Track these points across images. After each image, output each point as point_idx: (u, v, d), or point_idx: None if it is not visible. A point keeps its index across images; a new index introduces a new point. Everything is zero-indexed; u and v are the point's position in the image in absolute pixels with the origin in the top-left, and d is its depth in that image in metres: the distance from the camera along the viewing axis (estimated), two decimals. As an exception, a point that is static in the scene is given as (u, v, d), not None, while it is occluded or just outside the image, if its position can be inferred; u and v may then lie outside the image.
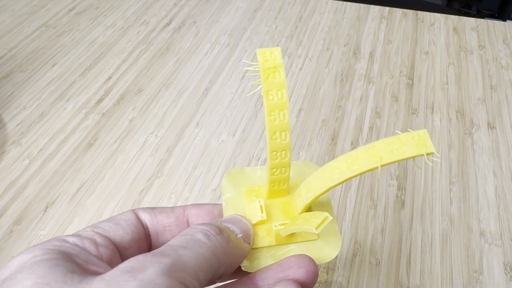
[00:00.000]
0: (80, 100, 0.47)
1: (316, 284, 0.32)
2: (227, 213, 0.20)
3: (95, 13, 0.59)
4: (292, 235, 0.19)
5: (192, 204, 0.20)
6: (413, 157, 0.16)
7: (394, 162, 0.16)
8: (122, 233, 0.18)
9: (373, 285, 0.32)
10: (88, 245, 0.16)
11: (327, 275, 0.32)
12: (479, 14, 1.33)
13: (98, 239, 0.17)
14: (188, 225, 0.20)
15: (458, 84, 0.48)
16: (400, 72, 0.49)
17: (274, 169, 0.19)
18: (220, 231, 0.17)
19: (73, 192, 0.38)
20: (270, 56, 0.19)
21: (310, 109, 0.45)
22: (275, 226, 0.19)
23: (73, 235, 0.17)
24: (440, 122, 0.43)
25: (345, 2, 0.60)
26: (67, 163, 0.40)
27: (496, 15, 1.32)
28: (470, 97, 0.46)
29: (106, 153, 0.41)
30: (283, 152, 0.18)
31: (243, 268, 0.18)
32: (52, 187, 0.38)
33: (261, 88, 0.18)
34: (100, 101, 0.46)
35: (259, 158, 0.40)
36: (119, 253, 0.18)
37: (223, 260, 0.17)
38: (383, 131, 0.43)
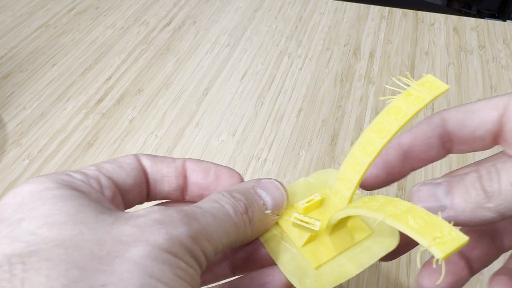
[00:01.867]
0: (80, 100, 0.47)
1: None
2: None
3: (95, 13, 0.59)
4: (344, 240, 0.18)
5: (191, 159, 0.20)
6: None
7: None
8: (124, 176, 0.18)
9: (373, 285, 0.32)
10: (94, 185, 0.16)
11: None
12: (479, 14, 1.33)
13: (102, 180, 0.17)
14: (185, 178, 0.19)
15: (458, 84, 0.48)
16: (400, 72, 0.49)
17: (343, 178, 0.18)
18: (247, 209, 0.17)
19: (73, 192, 0.38)
20: (431, 86, 0.16)
21: (310, 109, 0.45)
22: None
23: (77, 172, 0.16)
24: (440, 122, 0.43)
25: (345, 2, 0.60)
26: (67, 163, 0.40)
27: (496, 15, 1.32)
28: (470, 97, 0.46)
29: (106, 153, 0.41)
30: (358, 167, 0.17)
31: None
32: (52, 187, 0.38)
33: (390, 101, 0.17)
34: (100, 101, 0.46)
35: (259, 158, 0.40)
36: (120, 195, 0.18)
37: (243, 237, 0.17)
38: (383, 131, 0.42)
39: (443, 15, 0.58)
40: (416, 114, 0.16)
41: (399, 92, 0.17)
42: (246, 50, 0.53)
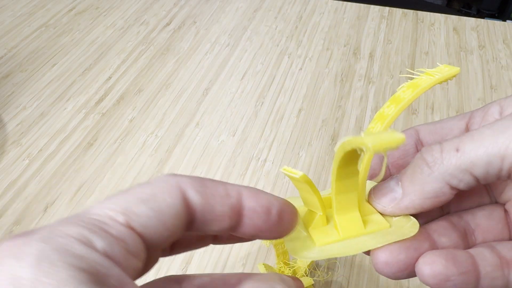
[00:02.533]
0: (80, 100, 0.47)
1: (316, 284, 0.32)
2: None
3: (95, 13, 0.59)
4: (354, 226, 0.18)
5: (247, 190, 0.16)
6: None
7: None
8: (161, 229, 0.13)
9: (373, 285, 0.32)
10: (119, 256, 0.12)
11: (327, 275, 0.32)
12: (479, 14, 1.33)
13: (131, 243, 0.12)
14: (240, 217, 0.16)
15: (458, 84, 0.48)
16: (400, 72, 0.49)
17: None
18: None
19: (73, 192, 0.38)
20: (442, 70, 0.18)
21: (310, 109, 0.45)
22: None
23: (100, 233, 0.12)
24: (440, 122, 0.43)
25: (345, 2, 0.60)
26: (67, 163, 0.40)
27: (496, 15, 1.32)
28: (470, 97, 0.46)
29: (106, 153, 0.41)
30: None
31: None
32: (52, 187, 0.38)
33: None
34: (100, 101, 0.46)
35: (259, 158, 0.40)
36: (146, 253, 0.14)
37: None
38: (383, 131, 0.42)
39: (443, 15, 0.58)
40: (431, 86, 0.18)
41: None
42: (246, 50, 0.53)
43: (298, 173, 0.16)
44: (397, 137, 0.14)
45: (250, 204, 0.16)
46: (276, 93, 0.47)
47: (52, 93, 0.47)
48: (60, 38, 0.55)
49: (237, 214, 0.15)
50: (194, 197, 0.14)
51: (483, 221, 0.18)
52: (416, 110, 0.45)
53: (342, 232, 0.18)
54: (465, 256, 0.16)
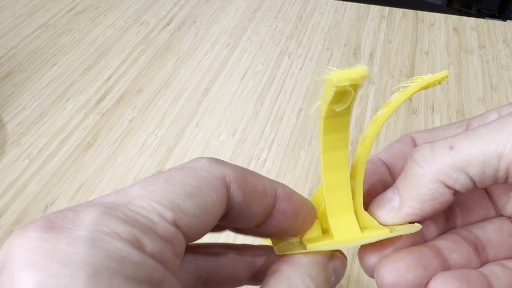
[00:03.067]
0: (80, 100, 0.47)
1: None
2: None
3: (95, 13, 0.59)
4: (349, 230, 0.17)
5: (283, 191, 0.15)
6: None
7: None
8: (201, 229, 0.12)
9: (373, 285, 0.32)
10: (169, 260, 0.10)
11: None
12: (479, 14, 1.33)
13: (178, 245, 0.11)
14: (269, 217, 0.15)
15: (458, 84, 0.48)
16: (400, 72, 0.49)
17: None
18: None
19: (73, 192, 0.38)
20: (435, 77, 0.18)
21: (310, 109, 0.45)
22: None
23: (151, 234, 0.10)
24: (440, 122, 0.43)
25: (345, 2, 0.60)
26: (67, 163, 0.40)
27: (496, 15, 1.32)
28: (470, 97, 0.46)
29: (106, 153, 0.41)
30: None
31: None
32: (52, 187, 0.38)
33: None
34: (100, 101, 0.46)
35: (259, 158, 0.40)
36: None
37: None
38: (383, 131, 0.42)
39: (443, 15, 0.58)
40: (418, 90, 0.18)
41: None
42: (246, 50, 0.53)
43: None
44: (360, 68, 0.13)
45: (282, 206, 0.15)
46: (276, 93, 0.47)
47: (52, 93, 0.47)
48: (60, 38, 0.55)
49: (268, 213, 0.15)
50: (237, 194, 0.13)
51: (494, 236, 0.17)
52: (416, 110, 0.45)
53: (336, 235, 0.16)
54: (479, 277, 0.15)
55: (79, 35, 0.55)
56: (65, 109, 0.46)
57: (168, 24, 0.57)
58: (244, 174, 0.14)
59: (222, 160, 0.14)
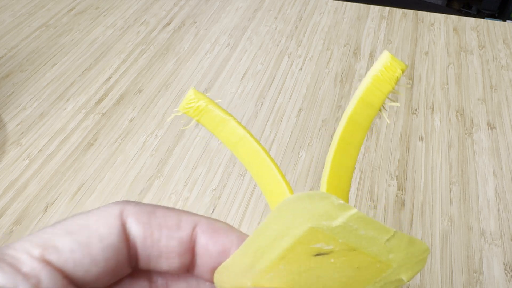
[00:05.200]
0: (80, 100, 0.47)
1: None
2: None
3: (95, 13, 0.59)
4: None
5: (205, 223, 0.14)
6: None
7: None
8: (88, 264, 0.12)
9: (373, 285, 0.32)
10: None
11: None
12: (479, 14, 1.33)
13: (46, 280, 0.11)
14: (193, 255, 0.14)
15: (458, 84, 0.48)
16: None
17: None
18: None
19: (73, 192, 0.38)
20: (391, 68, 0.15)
21: (310, 109, 0.45)
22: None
23: (6, 269, 0.10)
24: (440, 122, 0.43)
25: (345, 2, 0.60)
26: (67, 163, 0.40)
27: (496, 15, 1.32)
28: (470, 97, 0.46)
29: (106, 153, 0.41)
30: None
31: None
32: (52, 187, 0.38)
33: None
34: (100, 101, 0.46)
35: (259, 158, 0.40)
36: None
37: None
38: (383, 131, 0.43)
39: (443, 15, 0.58)
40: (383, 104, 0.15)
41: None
42: (246, 50, 0.53)
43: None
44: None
45: (203, 241, 0.13)
46: (276, 93, 0.47)
47: (52, 93, 0.47)
48: (60, 38, 0.55)
49: (189, 251, 0.13)
50: (135, 228, 0.13)
51: None
52: (416, 110, 0.45)
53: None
54: None
55: (79, 35, 0.55)
56: (65, 109, 0.46)
57: (168, 24, 0.57)
58: (153, 208, 0.13)
59: (132, 201, 0.13)
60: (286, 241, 0.12)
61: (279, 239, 0.12)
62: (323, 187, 0.14)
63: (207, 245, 0.13)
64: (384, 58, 0.14)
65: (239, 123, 0.16)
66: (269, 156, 0.15)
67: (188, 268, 0.14)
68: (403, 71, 0.14)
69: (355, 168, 0.17)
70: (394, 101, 0.15)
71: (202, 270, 0.14)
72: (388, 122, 0.16)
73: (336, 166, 0.14)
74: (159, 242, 0.13)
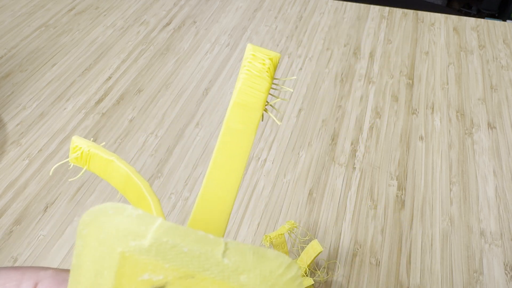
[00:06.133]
0: (80, 100, 0.47)
1: (316, 284, 0.32)
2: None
3: (95, 13, 0.59)
4: None
5: (49, 276, 0.13)
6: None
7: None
8: None
9: (373, 285, 0.32)
10: None
11: (327, 275, 0.32)
12: (479, 14, 1.33)
13: None
14: None
15: (458, 84, 0.48)
16: (400, 72, 0.49)
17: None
18: None
19: (73, 192, 0.38)
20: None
21: (310, 109, 0.45)
22: None
23: None
24: (440, 122, 0.43)
25: (345, 2, 0.60)
26: (67, 163, 0.40)
27: (496, 15, 1.32)
28: (470, 97, 0.46)
29: (106, 153, 0.41)
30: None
31: None
32: (52, 187, 0.38)
33: None
34: (100, 101, 0.46)
35: (259, 158, 0.40)
36: None
37: None
38: (383, 131, 0.42)
39: (443, 15, 0.58)
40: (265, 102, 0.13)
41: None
42: (246, 50, 0.53)
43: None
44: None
45: None
46: (276, 93, 0.47)
47: (52, 93, 0.47)
48: (60, 38, 0.55)
49: None
50: None
51: None
52: (416, 110, 0.45)
53: None
54: None
55: (79, 35, 0.55)
56: (65, 109, 0.46)
57: (168, 24, 0.57)
58: None
59: None
60: (108, 276, 0.09)
61: (99, 275, 0.10)
62: (195, 209, 0.12)
63: None
64: (247, 52, 0.12)
65: (123, 161, 0.14)
66: (154, 196, 0.13)
67: None
68: (274, 61, 0.12)
69: (242, 180, 0.14)
70: (277, 97, 0.13)
71: None
72: (279, 123, 0.14)
73: (213, 182, 0.12)
74: None
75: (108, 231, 0.10)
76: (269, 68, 0.12)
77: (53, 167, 0.15)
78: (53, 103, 0.46)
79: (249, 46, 0.13)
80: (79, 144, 0.15)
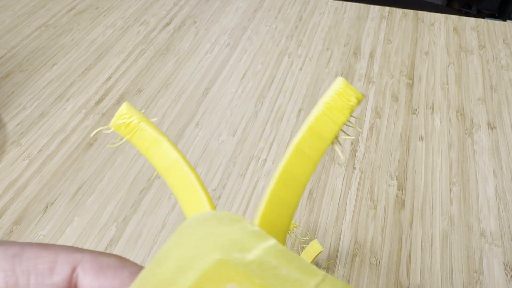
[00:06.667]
0: (80, 100, 0.47)
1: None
2: None
3: (95, 13, 0.59)
4: None
5: (89, 262, 0.12)
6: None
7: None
8: None
9: (373, 285, 0.32)
10: None
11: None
12: (479, 14, 1.33)
13: None
14: None
15: (458, 84, 0.48)
16: (400, 72, 0.49)
17: None
18: None
19: (73, 192, 0.38)
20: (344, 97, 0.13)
21: (310, 109, 0.45)
22: None
23: None
24: (440, 122, 0.43)
25: (345, 2, 0.60)
26: (67, 163, 0.40)
27: (496, 15, 1.32)
28: (470, 97, 0.46)
29: (106, 153, 0.41)
30: None
31: None
32: (52, 187, 0.38)
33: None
34: (100, 101, 0.46)
35: (259, 158, 0.40)
36: None
37: None
38: (383, 131, 0.42)
39: (443, 15, 0.58)
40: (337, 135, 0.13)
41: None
42: (246, 50, 0.53)
43: None
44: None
45: (86, 284, 0.11)
46: (276, 93, 0.47)
47: (52, 93, 0.47)
48: (60, 38, 0.55)
49: None
50: None
51: None
52: (416, 110, 0.45)
53: None
54: None
55: (79, 35, 0.55)
56: (65, 109, 0.46)
57: (168, 24, 0.57)
58: (19, 250, 0.11)
59: None
60: (190, 276, 0.09)
61: (181, 273, 0.10)
62: (256, 221, 0.12)
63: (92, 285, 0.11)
64: (337, 84, 0.13)
65: (173, 145, 0.14)
66: (202, 186, 0.13)
67: None
68: (358, 101, 0.13)
69: (298, 204, 0.14)
70: (348, 135, 0.13)
71: None
72: (342, 157, 0.15)
73: (276, 200, 0.12)
74: None
75: (214, 236, 0.10)
76: (352, 106, 0.13)
77: (95, 131, 0.15)
78: (53, 103, 0.46)
79: (340, 80, 0.13)
80: (128, 113, 0.14)
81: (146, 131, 0.14)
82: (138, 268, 0.12)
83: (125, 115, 0.15)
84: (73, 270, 0.11)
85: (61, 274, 0.11)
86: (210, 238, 0.10)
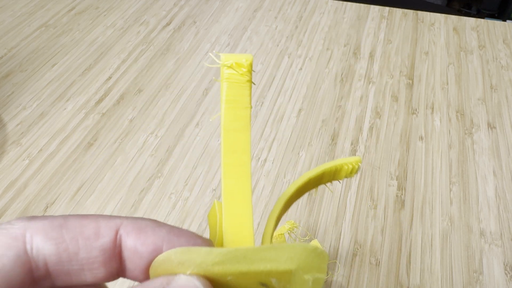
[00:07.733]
0: (80, 100, 0.47)
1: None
2: None
3: (95, 13, 0.59)
4: None
5: (129, 224, 0.13)
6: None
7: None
8: None
9: (373, 285, 0.32)
10: None
11: (327, 275, 0.32)
12: (479, 14, 1.33)
13: None
14: (121, 261, 0.13)
15: (458, 84, 0.48)
16: (400, 72, 0.49)
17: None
18: None
19: (73, 192, 0.38)
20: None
21: (310, 109, 0.45)
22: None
23: None
24: (440, 122, 0.43)
25: (345, 2, 0.60)
26: (67, 163, 0.40)
27: (496, 15, 1.32)
28: (470, 97, 0.46)
29: (106, 153, 0.41)
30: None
31: None
32: (52, 187, 0.38)
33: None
34: (100, 101, 0.46)
35: (259, 158, 0.40)
36: None
37: None
38: (383, 131, 0.43)
39: (443, 15, 0.58)
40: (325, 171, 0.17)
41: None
42: (246, 50, 0.53)
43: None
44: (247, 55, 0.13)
45: (130, 243, 0.12)
46: (276, 93, 0.47)
47: (52, 93, 0.47)
48: (60, 38, 0.55)
49: (116, 257, 0.12)
50: (44, 247, 0.12)
51: None
52: (416, 110, 0.45)
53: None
54: None
55: (79, 35, 0.55)
56: (65, 109, 0.46)
57: (168, 24, 0.57)
58: (63, 221, 0.12)
59: (38, 216, 0.12)
60: (258, 266, 0.12)
61: (256, 262, 0.11)
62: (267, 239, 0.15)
63: (135, 247, 0.12)
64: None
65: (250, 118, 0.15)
66: (248, 177, 0.14)
67: (118, 273, 0.13)
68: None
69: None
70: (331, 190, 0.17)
71: (134, 272, 0.13)
72: (331, 192, 0.18)
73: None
74: (77, 256, 0.12)
75: (304, 258, 0.12)
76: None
77: (214, 117, 0.15)
78: (53, 103, 0.46)
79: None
80: (248, 69, 0.14)
81: (245, 90, 0.14)
82: (173, 227, 0.13)
83: (242, 68, 0.14)
84: (116, 232, 0.12)
85: (106, 237, 0.12)
86: (297, 256, 0.12)
